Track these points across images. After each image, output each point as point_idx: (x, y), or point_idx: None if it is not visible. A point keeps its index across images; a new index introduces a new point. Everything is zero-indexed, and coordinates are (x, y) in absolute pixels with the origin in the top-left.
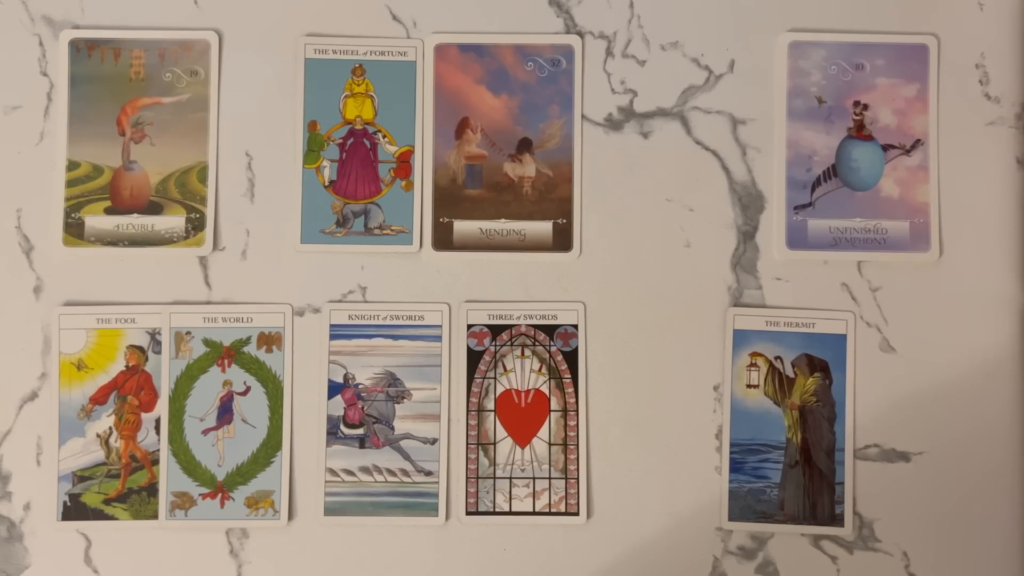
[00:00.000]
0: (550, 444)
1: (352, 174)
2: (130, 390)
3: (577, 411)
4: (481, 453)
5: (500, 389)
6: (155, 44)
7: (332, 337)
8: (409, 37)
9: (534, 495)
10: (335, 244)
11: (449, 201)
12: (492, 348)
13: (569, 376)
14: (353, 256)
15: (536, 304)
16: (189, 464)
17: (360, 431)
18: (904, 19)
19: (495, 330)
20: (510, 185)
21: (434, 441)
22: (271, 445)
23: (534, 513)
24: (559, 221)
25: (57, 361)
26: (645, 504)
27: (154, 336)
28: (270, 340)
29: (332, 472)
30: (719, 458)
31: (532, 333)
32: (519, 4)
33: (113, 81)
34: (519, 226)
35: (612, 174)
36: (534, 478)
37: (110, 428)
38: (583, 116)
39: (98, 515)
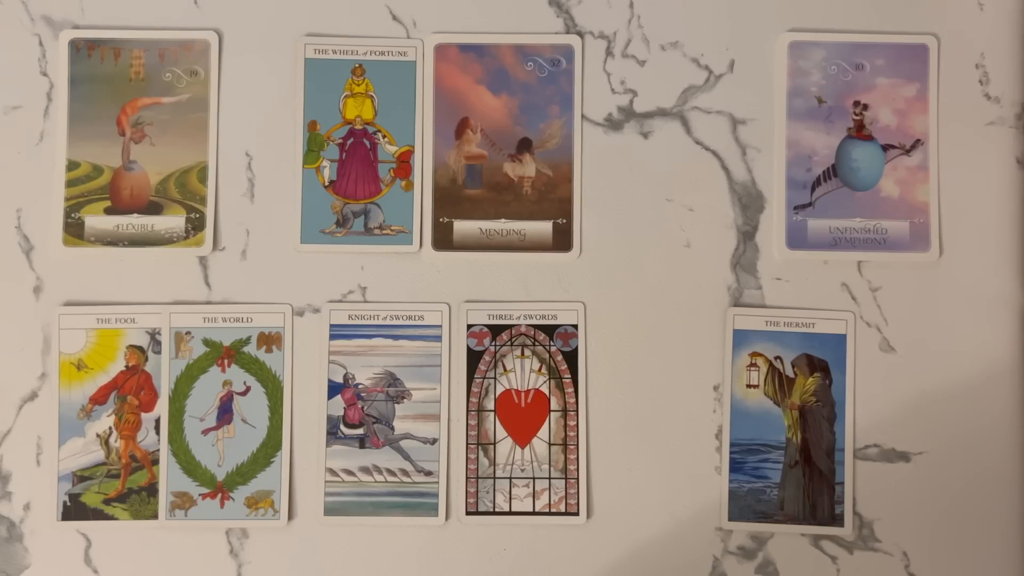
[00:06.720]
0: (550, 444)
1: (352, 174)
2: (130, 390)
3: (577, 411)
4: (481, 453)
5: (500, 389)
6: (155, 44)
7: (332, 337)
8: (409, 37)
9: (534, 495)
10: (335, 244)
11: (449, 201)
12: (492, 348)
13: (569, 376)
14: (353, 256)
15: (536, 304)
16: (189, 464)
17: (360, 431)
18: (904, 19)
19: (495, 330)
20: (510, 185)
21: (434, 441)
22: (271, 445)
23: (534, 513)
24: (559, 221)
25: (57, 361)
26: (645, 504)
27: (154, 336)
28: (270, 340)
29: (332, 472)
30: (719, 458)
31: (532, 333)
32: (519, 4)
33: (113, 81)
34: (519, 226)
35: (612, 174)
36: (534, 478)
37: (110, 428)
38: (583, 116)
39: (98, 515)
